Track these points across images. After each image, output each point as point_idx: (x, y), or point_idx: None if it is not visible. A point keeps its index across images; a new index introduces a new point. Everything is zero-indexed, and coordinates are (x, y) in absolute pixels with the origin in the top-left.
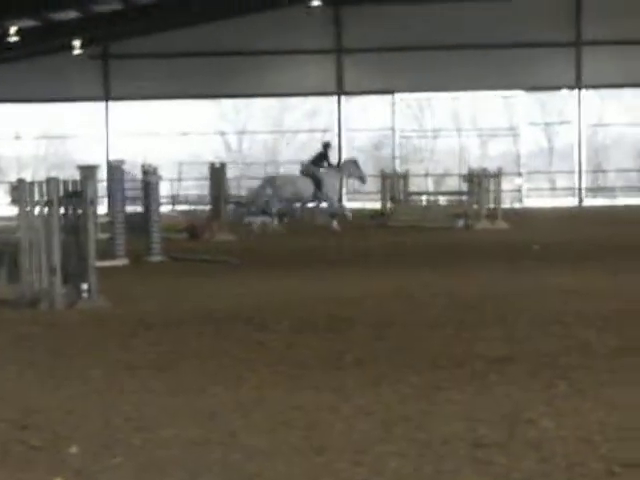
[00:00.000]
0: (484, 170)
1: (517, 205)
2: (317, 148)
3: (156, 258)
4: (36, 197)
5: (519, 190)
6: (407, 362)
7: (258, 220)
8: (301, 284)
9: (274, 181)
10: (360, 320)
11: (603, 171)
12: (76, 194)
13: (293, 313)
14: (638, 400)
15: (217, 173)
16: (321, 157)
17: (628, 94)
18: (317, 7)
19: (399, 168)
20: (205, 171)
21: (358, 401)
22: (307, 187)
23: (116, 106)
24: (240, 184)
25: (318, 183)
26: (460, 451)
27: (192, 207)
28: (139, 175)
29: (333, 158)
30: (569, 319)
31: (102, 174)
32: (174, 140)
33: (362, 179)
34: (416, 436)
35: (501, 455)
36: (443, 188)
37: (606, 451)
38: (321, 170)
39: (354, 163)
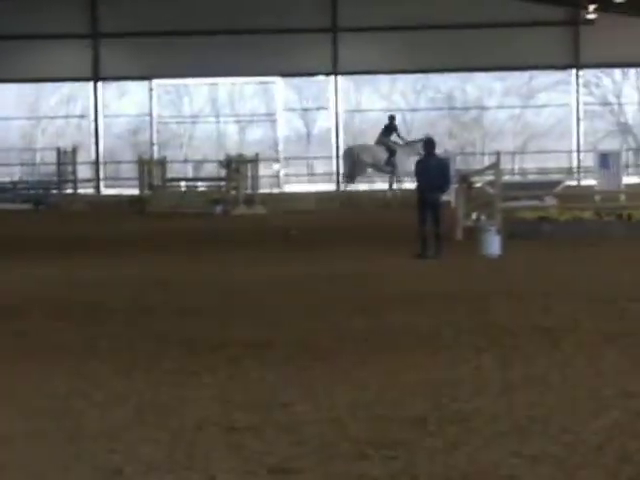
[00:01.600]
0: (241, 156)
1: (276, 190)
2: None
3: None
4: None
5: (277, 176)
6: (162, 348)
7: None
8: (52, 271)
9: (352, 151)
10: (114, 307)
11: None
12: None
13: (47, 301)
14: (387, 381)
15: None
16: (388, 130)
17: (384, 80)
18: None
19: (157, 154)
20: None
21: (111, 388)
22: (382, 155)
23: None
24: None
25: (392, 153)
26: (213, 436)
27: None
28: None
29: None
30: (326, 304)
31: None
32: None
33: None
34: (169, 422)
35: (255, 439)
36: (202, 174)
37: (357, 432)
38: (393, 143)
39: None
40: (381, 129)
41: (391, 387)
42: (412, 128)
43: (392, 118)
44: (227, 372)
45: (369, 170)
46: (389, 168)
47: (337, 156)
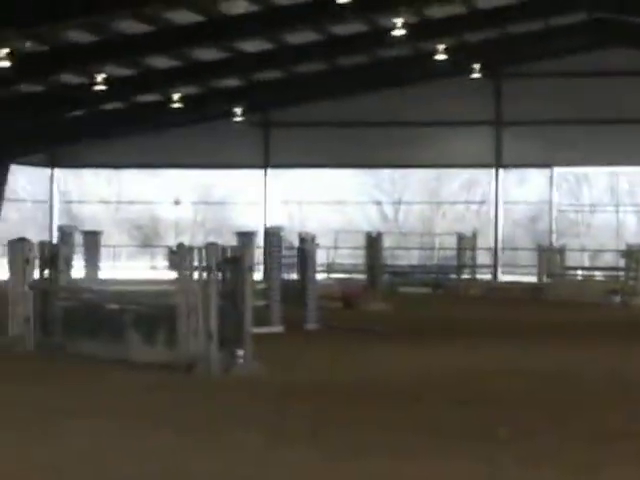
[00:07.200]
0: None
1: None
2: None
3: (312, 326)
4: (195, 262)
5: None
6: (567, 438)
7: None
8: (452, 356)
9: None
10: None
11: None
12: (234, 260)
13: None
14: None
15: (373, 242)
16: None
17: None
18: (478, 79)
19: (555, 242)
20: (361, 240)
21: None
22: None
23: (274, 173)
24: (395, 254)
25: None
26: None
27: (347, 275)
28: (296, 242)
29: None
30: None
31: (259, 240)
32: (330, 208)
33: None
34: None
35: None
36: (598, 263)
37: None
38: None
39: None
40: None
41: None
42: None
43: None
44: None
45: None
46: None
47: None
